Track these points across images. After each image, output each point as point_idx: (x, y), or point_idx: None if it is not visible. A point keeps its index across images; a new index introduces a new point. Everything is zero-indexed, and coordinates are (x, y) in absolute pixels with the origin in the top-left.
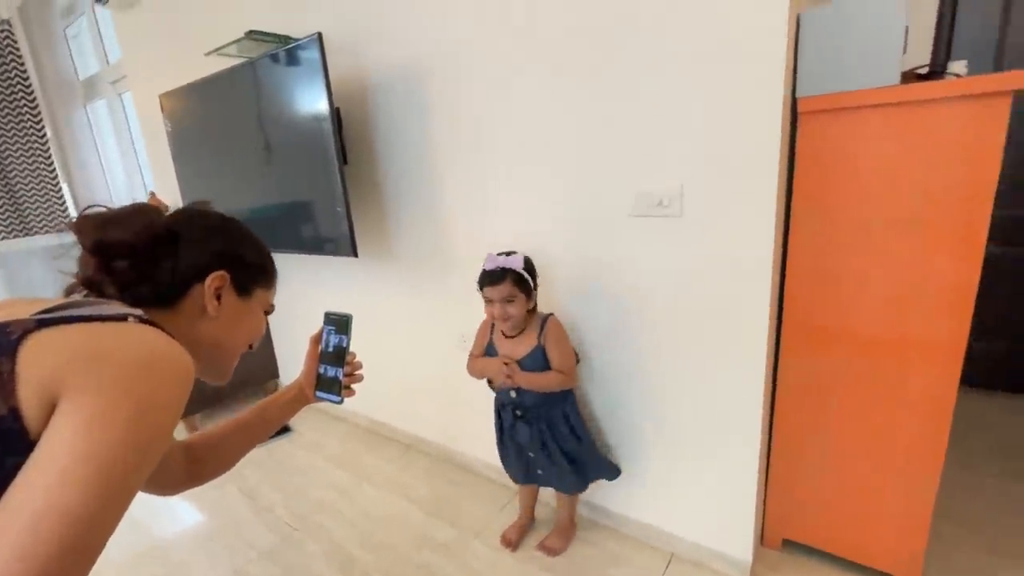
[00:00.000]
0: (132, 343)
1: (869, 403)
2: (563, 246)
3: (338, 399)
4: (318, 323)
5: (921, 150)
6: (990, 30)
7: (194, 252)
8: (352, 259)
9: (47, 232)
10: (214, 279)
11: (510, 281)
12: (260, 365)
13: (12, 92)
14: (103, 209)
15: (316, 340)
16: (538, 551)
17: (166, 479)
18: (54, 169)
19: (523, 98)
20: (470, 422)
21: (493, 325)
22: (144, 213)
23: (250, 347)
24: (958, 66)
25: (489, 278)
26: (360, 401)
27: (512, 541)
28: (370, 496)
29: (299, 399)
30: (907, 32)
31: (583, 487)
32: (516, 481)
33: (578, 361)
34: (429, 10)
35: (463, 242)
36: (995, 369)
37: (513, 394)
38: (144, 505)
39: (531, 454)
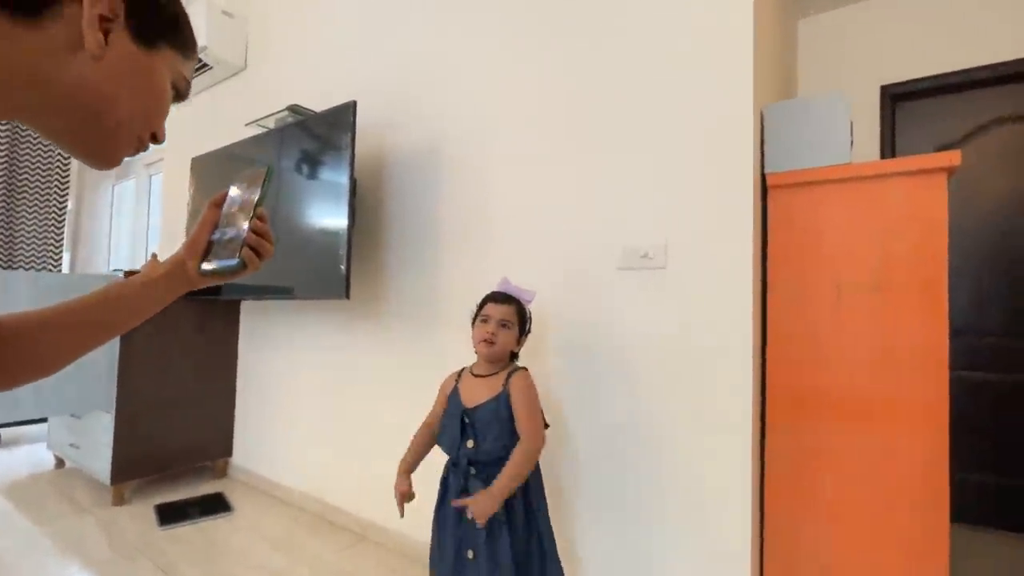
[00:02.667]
0: None
1: (862, 482)
2: (555, 305)
3: (235, 262)
4: (289, 391)
5: (875, 221)
6: None
7: None
8: (339, 317)
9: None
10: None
11: (514, 309)
12: (212, 436)
13: (50, 168)
14: None
15: (217, 203)
16: None
17: None
18: (61, 240)
19: (524, 171)
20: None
21: (460, 373)
22: None
23: (154, 138)
24: None
25: (495, 297)
26: (314, 481)
27: None
28: None
29: (175, 276)
30: (852, 127)
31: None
32: None
33: (547, 426)
34: (445, 100)
35: (456, 306)
36: (976, 503)
37: (470, 443)
38: (32, 571)
39: (467, 550)
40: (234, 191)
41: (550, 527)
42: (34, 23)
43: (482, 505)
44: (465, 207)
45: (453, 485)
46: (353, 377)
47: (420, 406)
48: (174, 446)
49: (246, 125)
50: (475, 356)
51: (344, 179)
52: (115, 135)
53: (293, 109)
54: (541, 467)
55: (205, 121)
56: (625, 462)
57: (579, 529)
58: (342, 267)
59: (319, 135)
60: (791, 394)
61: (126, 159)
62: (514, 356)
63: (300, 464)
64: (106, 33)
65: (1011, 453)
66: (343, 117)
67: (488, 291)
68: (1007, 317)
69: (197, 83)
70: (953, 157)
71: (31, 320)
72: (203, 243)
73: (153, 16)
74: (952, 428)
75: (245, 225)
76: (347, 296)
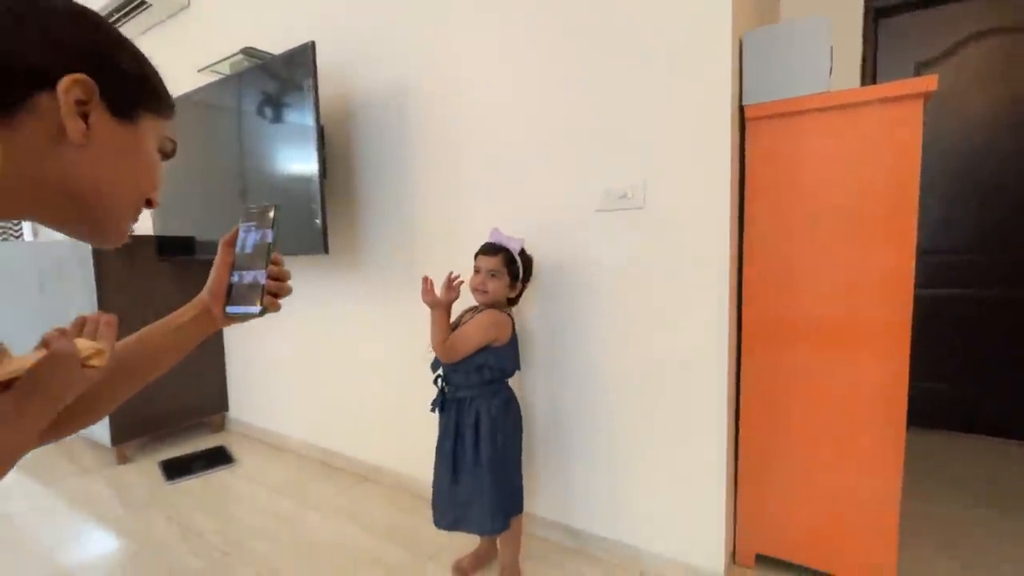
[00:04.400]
0: None
1: (828, 400)
2: (535, 249)
3: (257, 309)
4: (277, 344)
5: (852, 149)
6: None
7: (29, 38)
8: (318, 270)
9: None
10: (71, 84)
11: (502, 259)
12: (206, 392)
13: None
14: None
15: (230, 243)
16: None
17: None
18: None
19: (498, 113)
20: (430, 444)
21: (471, 309)
22: None
23: (148, 203)
24: None
25: (485, 249)
26: (312, 429)
27: (464, 570)
28: (315, 523)
29: (203, 320)
30: (832, 52)
31: (448, 525)
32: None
33: (517, 368)
34: (413, 38)
35: (435, 252)
36: (939, 409)
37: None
38: (47, 529)
39: (454, 453)
40: (244, 229)
41: (497, 465)
42: (9, 123)
43: (423, 293)
44: (440, 152)
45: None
46: (339, 326)
47: (407, 350)
48: (169, 405)
49: (199, 71)
50: (471, 298)
51: (310, 127)
52: (116, 215)
53: (248, 52)
54: (521, 410)
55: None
56: (607, 395)
57: (566, 459)
58: (318, 221)
59: (279, 81)
60: (766, 324)
61: None
62: (512, 302)
63: (296, 413)
64: (85, 117)
65: (967, 362)
66: (302, 59)
67: (470, 237)
68: (974, 235)
69: (136, 24)
70: (930, 82)
71: None
72: (224, 286)
73: (126, 86)
74: (916, 343)
75: (263, 271)
76: (326, 251)
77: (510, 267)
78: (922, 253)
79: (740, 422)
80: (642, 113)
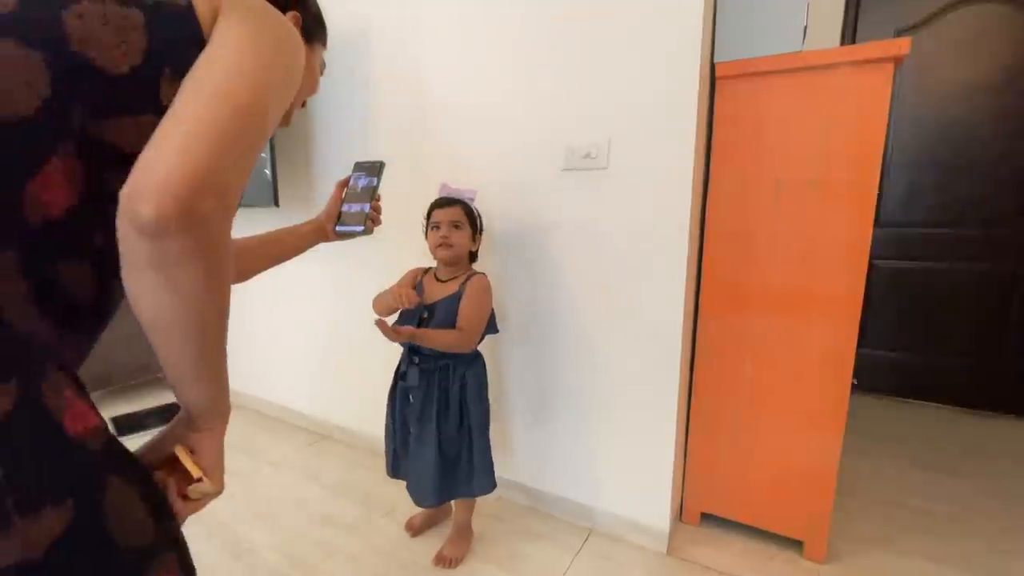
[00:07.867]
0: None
1: (778, 364)
2: (498, 208)
3: (361, 228)
4: (231, 301)
5: (819, 114)
6: None
7: None
8: (269, 224)
9: None
10: (293, 16)
11: (461, 208)
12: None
13: None
14: None
15: (343, 184)
16: (435, 564)
17: None
18: None
19: (461, 65)
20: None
21: (426, 271)
22: None
23: (303, 106)
24: None
25: (440, 202)
26: (269, 386)
27: (415, 526)
28: (270, 479)
29: (317, 232)
30: (808, 9)
31: (438, 500)
32: (387, 471)
33: (496, 331)
34: None
35: (393, 207)
36: (891, 376)
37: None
38: None
39: (410, 428)
40: (355, 177)
41: (484, 426)
42: None
43: (388, 333)
44: (402, 101)
45: (401, 367)
46: (293, 283)
47: (364, 308)
48: (121, 360)
49: None
50: (428, 259)
51: None
52: (289, 112)
53: None
54: (488, 369)
55: None
56: (565, 356)
57: (521, 419)
58: (267, 171)
59: None
60: (724, 288)
61: None
62: (473, 257)
63: (254, 372)
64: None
65: (921, 333)
66: None
67: (429, 197)
68: (936, 209)
69: None
70: (901, 46)
71: (240, 242)
72: (336, 212)
73: (312, 20)
74: (874, 313)
75: (368, 204)
76: (276, 204)
77: (470, 218)
78: (884, 225)
79: (693, 385)
80: (608, 68)
